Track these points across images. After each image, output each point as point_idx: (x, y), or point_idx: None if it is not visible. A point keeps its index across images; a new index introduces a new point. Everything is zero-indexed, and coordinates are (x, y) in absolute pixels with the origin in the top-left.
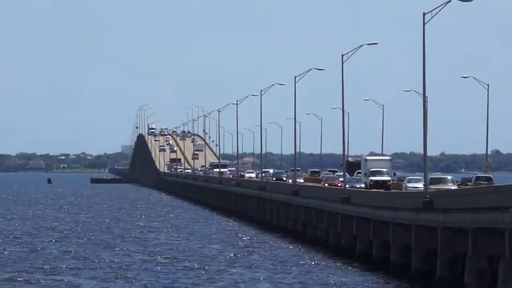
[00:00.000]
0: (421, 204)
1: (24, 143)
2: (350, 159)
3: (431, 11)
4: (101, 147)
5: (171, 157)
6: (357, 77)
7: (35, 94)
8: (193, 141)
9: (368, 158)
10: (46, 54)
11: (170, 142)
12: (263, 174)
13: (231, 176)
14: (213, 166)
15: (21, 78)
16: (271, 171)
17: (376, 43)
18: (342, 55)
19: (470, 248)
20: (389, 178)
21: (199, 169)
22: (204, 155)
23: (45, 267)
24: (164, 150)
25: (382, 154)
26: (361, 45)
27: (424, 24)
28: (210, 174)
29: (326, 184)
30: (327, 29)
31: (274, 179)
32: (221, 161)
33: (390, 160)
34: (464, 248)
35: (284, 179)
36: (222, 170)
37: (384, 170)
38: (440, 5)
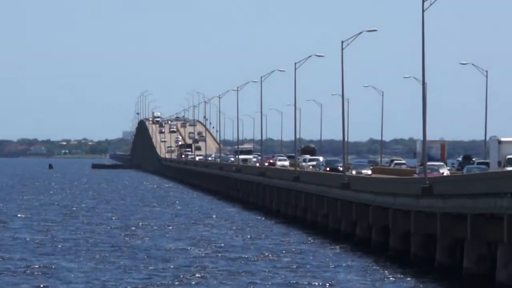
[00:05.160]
0: (421, 190)
1: (25, 128)
2: (302, 146)
3: None
4: (102, 133)
5: (181, 143)
6: (358, 64)
7: (36, 79)
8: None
9: (504, 140)
10: (47, 41)
11: (179, 138)
12: (314, 163)
13: (257, 164)
14: (237, 151)
15: (22, 63)
16: (321, 159)
17: (375, 30)
18: (342, 42)
19: (469, 234)
20: None
21: (212, 155)
22: (205, 142)
23: None
24: (165, 141)
25: None
26: (361, 32)
27: (423, 11)
28: (230, 161)
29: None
30: (328, 15)
31: (328, 169)
32: (246, 146)
33: None
34: (463, 234)
35: (340, 169)
36: (246, 157)
37: None
38: None
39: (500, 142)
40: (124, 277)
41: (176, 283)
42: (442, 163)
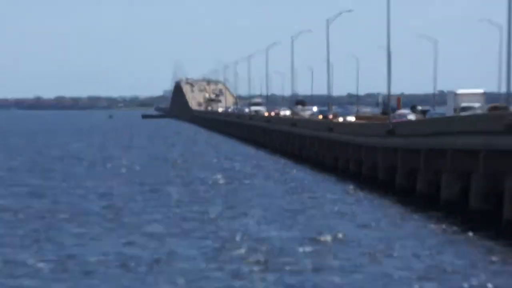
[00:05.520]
0: (385, 132)
1: (92, 87)
2: (299, 98)
3: None
4: (148, 90)
5: (209, 98)
6: (344, 35)
7: (102, 47)
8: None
9: (459, 92)
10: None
11: (206, 95)
12: (310, 112)
13: (266, 113)
14: (250, 104)
15: (90, 37)
16: (314, 109)
17: (352, 10)
18: (327, 20)
19: (422, 164)
20: None
21: (231, 107)
22: (225, 97)
23: None
24: (196, 98)
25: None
26: (340, 13)
27: None
28: (246, 111)
29: None
30: None
31: (321, 116)
32: (257, 100)
33: (484, 94)
34: (417, 164)
35: (330, 116)
36: (258, 108)
37: (477, 105)
38: None
39: (455, 94)
40: (167, 198)
41: (203, 197)
42: (409, 111)
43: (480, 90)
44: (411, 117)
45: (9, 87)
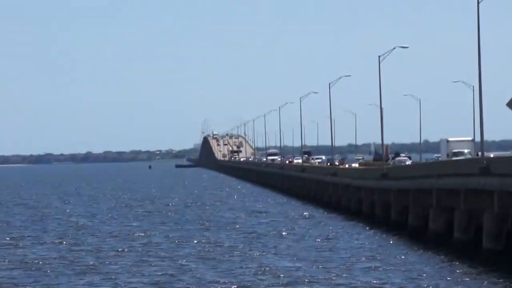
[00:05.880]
0: (380, 175)
1: (134, 142)
2: (305, 149)
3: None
4: (181, 144)
5: (232, 150)
6: (342, 95)
7: (143, 111)
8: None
9: (450, 139)
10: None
11: (229, 147)
12: (320, 160)
13: (281, 162)
14: (267, 154)
15: (130, 100)
16: (323, 157)
17: (349, 75)
18: (329, 84)
19: (411, 202)
20: None
21: (251, 158)
22: (245, 148)
23: None
24: (221, 151)
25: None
26: (340, 77)
27: (379, 64)
28: (264, 160)
29: None
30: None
31: (329, 164)
32: (273, 150)
33: (472, 140)
34: (408, 202)
35: (337, 163)
36: (274, 157)
37: (466, 151)
38: None
39: (448, 141)
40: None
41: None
42: (407, 158)
43: (469, 138)
44: (409, 163)
45: (64, 144)
